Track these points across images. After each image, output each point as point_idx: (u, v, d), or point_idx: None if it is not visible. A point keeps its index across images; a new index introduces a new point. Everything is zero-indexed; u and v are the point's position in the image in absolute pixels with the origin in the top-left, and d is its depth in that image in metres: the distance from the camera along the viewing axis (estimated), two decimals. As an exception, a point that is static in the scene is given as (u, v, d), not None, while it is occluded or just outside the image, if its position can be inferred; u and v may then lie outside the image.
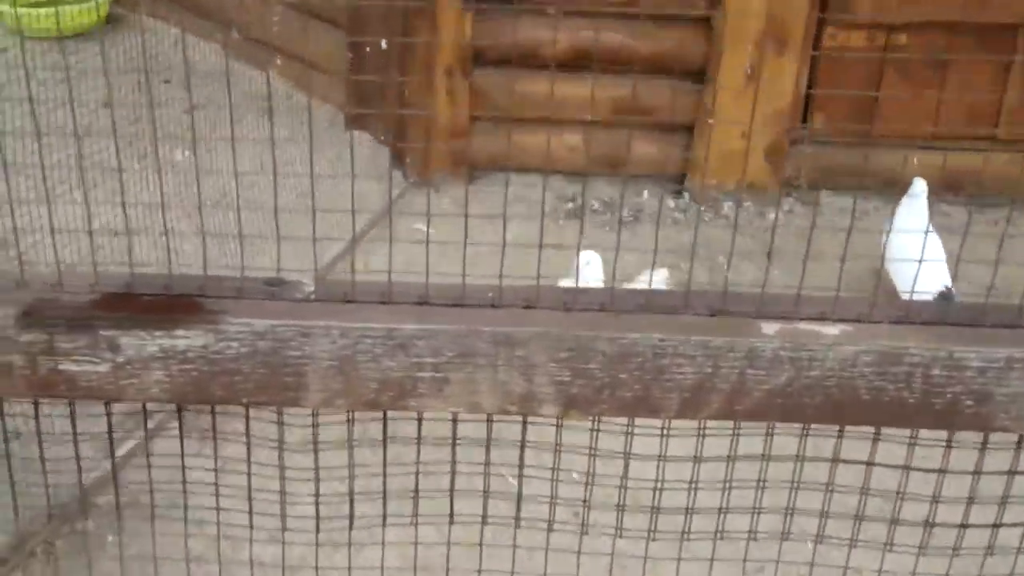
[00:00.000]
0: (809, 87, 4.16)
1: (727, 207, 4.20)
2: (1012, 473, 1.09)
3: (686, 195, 4.24)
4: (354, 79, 4.33)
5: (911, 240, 3.41)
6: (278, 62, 4.51)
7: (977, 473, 1.09)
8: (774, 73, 4.06)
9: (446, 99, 4.17)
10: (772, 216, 4.17)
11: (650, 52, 4.11)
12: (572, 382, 0.96)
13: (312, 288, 0.95)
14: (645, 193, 4.27)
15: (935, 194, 3.80)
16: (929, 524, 1.13)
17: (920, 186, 3.68)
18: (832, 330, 0.96)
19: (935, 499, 1.11)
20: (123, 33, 5.19)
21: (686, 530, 1.21)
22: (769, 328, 0.95)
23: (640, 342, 0.94)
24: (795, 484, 1.13)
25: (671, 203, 4.23)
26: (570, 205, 4.17)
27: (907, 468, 1.09)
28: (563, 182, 4.26)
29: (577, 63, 4.09)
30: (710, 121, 4.12)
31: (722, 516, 1.19)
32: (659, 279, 3.26)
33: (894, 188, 4.12)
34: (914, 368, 0.96)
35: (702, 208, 4.21)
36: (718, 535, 1.22)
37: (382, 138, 4.32)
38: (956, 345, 0.96)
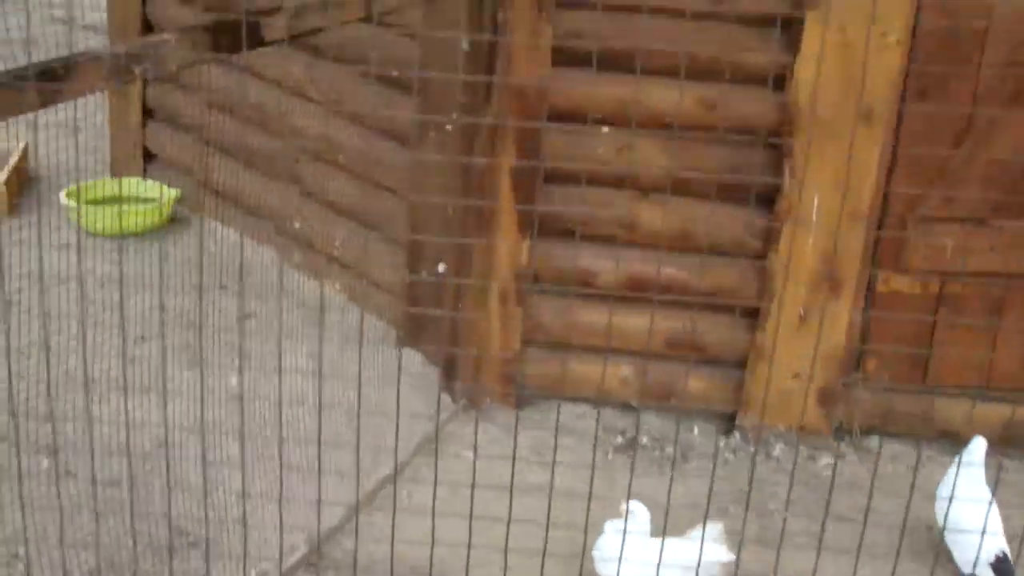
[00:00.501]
0: (863, 330, 4.16)
1: (779, 449, 4.14)
2: None
3: (737, 434, 4.19)
4: (410, 297, 4.40)
5: (967, 504, 3.31)
6: (337, 286, 4.60)
7: None
8: (828, 315, 4.07)
9: (499, 323, 4.21)
10: (823, 461, 4.10)
11: (705, 287, 4.14)
12: None
13: None
14: (695, 429, 4.23)
15: (993, 446, 3.74)
16: None
17: (978, 446, 3.60)
18: None
19: None
20: (186, 234, 5.33)
21: None
22: None
23: None
24: None
25: (722, 442, 4.18)
26: (620, 439, 4.13)
27: None
28: (614, 413, 4.23)
29: (632, 294, 4.13)
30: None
31: None
32: (713, 534, 3.18)
33: (949, 437, 4.05)
34: None
35: (751, 449, 4.14)
36: None
37: (433, 359, 4.34)
38: None
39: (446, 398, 4.25)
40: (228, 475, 3.08)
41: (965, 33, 3.83)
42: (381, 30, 4.19)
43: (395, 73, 4.21)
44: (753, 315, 4.14)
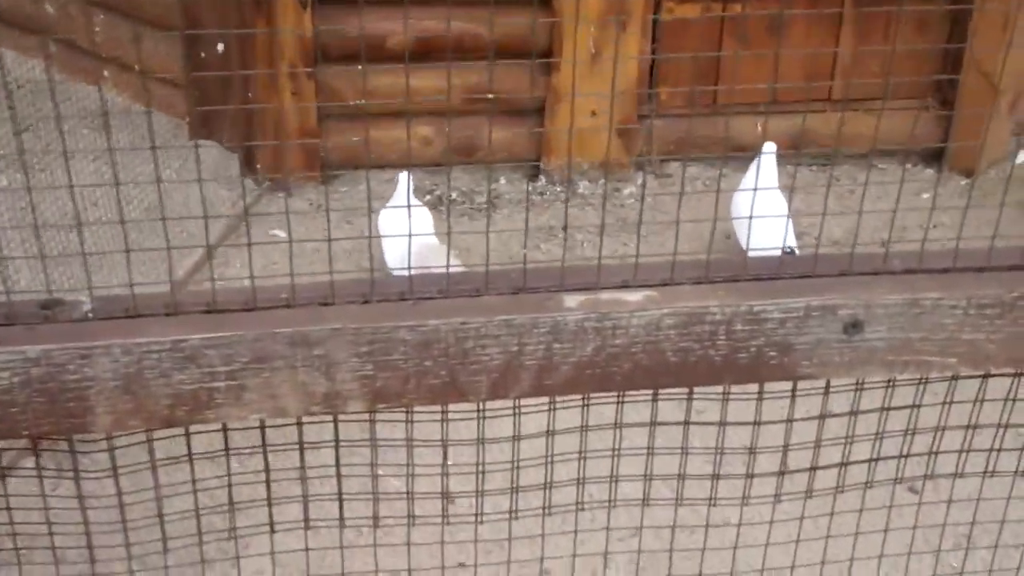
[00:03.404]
0: (652, 61, 4.22)
1: (583, 186, 4.23)
2: (823, 417, 1.11)
3: (542, 177, 4.26)
4: (195, 86, 4.22)
5: (755, 201, 3.47)
6: (105, 74, 4.35)
7: (790, 421, 1.11)
8: (618, 50, 4.09)
9: (292, 98, 4.09)
10: (627, 191, 4.22)
11: (496, 37, 4.09)
12: (376, 376, 0.93)
13: (91, 307, 0.90)
14: (502, 179, 4.27)
15: (783, 156, 3.91)
16: (749, 476, 1.15)
17: (769, 148, 3.76)
18: (635, 296, 0.95)
19: (751, 450, 1.12)
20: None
21: (547, 506, 1.20)
22: (572, 301, 0.94)
23: (442, 328, 0.92)
24: (616, 451, 1.12)
25: (528, 186, 4.24)
26: (428, 197, 4.15)
27: (723, 424, 1.09)
28: (420, 174, 4.23)
29: (423, 53, 4.06)
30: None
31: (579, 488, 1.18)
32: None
33: (742, 153, 4.21)
34: (716, 326, 0.96)
35: (558, 189, 4.22)
36: (579, 506, 1.21)
37: (230, 144, 4.22)
38: (756, 299, 0.96)
39: (249, 182, 4.16)
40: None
41: None
42: None
43: None
44: (546, 60, 4.13)
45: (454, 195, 4.18)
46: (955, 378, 1.09)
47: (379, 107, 4.09)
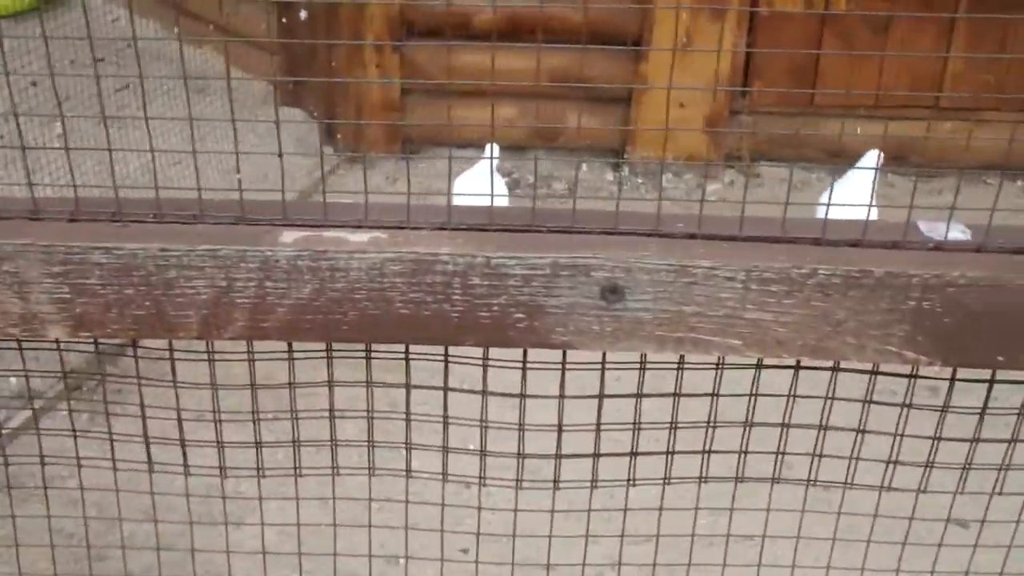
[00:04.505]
0: (748, 55, 4.03)
1: (666, 180, 4.08)
2: (600, 397, 0.98)
3: (625, 168, 4.12)
4: (285, 54, 4.27)
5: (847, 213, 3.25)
6: (176, 31, 4.42)
7: (561, 397, 0.98)
8: (711, 41, 3.92)
9: (376, 72, 4.09)
10: (712, 187, 4.04)
11: (584, 21, 3.99)
12: (74, 300, 0.87)
13: None
14: (584, 166, 4.16)
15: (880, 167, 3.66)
16: (521, 455, 1.03)
17: (870, 159, 3.52)
18: (360, 237, 0.86)
19: (521, 427, 1.00)
20: (61, 11, 5.16)
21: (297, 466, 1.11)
22: (289, 236, 0.86)
23: (140, 253, 0.85)
24: (369, 413, 1.02)
25: (609, 176, 4.12)
26: (506, 180, 4.08)
27: (485, 393, 0.98)
28: (501, 155, 4.16)
29: (510, 33, 4.00)
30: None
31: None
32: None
33: (837, 158, 3.97)
34: (450, 277, 0.85)
35: (640, 181, 4.08)
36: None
37: (315, 114, 4.25)
38: (495, 251, 0.85)
39: (329, 152, 4.18)
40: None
41: None
42: None
43: None
44: (636, 47, 4.00)
45: (531, 179, 4.10)
46: (759, 367, 0.95)
47: (463, 85, 4.06)
